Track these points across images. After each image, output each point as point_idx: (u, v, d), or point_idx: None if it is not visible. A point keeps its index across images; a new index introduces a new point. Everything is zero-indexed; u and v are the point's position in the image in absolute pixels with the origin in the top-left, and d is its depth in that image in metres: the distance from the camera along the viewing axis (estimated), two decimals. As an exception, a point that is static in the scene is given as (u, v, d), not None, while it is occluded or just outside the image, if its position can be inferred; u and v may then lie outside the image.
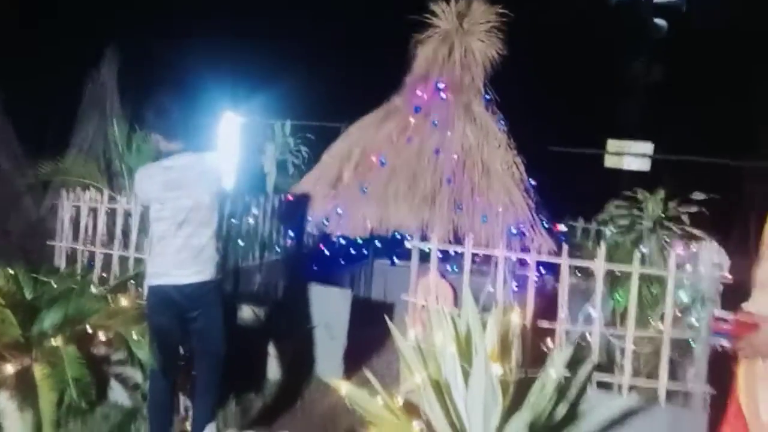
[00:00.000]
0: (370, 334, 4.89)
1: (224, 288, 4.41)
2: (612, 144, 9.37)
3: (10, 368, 3.32)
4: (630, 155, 8.60)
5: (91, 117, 7.23)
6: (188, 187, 3.15)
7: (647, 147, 8.75)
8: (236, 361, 3.47)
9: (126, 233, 4.49)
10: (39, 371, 3.30)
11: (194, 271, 3.19)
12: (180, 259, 3.17)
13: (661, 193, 3.95)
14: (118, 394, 4.00)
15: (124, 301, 3.83)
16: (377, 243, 6.09)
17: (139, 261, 4.26)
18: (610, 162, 9.33)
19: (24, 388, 3.37)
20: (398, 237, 5.07)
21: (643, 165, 8.81)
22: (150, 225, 3.32)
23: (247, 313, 4.75)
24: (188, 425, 3.50)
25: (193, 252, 3.18)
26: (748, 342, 1.89)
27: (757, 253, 2.13)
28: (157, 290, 3.23)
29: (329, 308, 4.76)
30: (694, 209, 3.84)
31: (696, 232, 3.92)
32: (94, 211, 4.56)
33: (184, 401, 3.69)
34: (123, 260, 4.35)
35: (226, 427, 3.69)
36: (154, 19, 9.68)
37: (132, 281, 4.17)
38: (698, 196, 3.87)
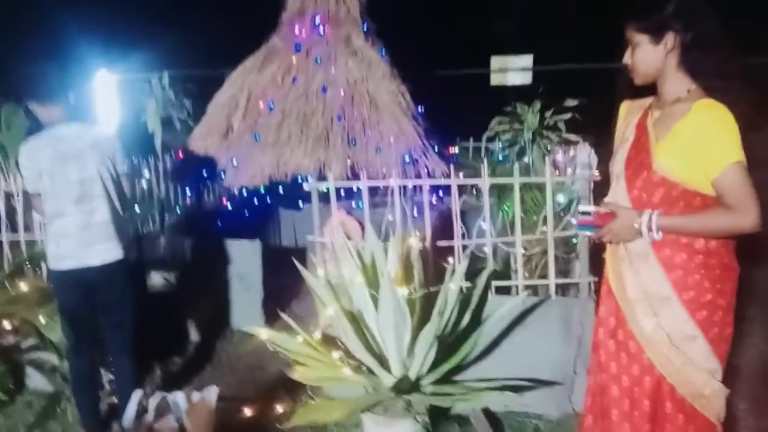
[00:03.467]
0: (284, 280, 4.98)
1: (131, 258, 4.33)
2: (495, 61, 9.64)
3: None
4: (512, 71, 8.91)
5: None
6: (80, 158, 2.98)
7: (527, 60, 9.08)
8: (155, 328, 3.47)
9: (11, 215, 4.27)
10: (-56, 370, 3.19)
11: (104, 248, 3.05)
12: (84, 238, 3.02)
13: (538, 105, 4.16)
14: (36, 380, 3.92)
15: (23, 286, 3.71)
16: (280, 189, 6.10)
17: (31, 243, 4.08)
18: (495, 80, 9.63)
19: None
20: (300, 180, 5.09)
21: (525, 79, 9.17)
22: (42, 203, 3.08)
23: (157, 279, 4.69)
24: (115, 398, 3.50)
25: (99, 229, 3.04)
26: (608, 229, 2.13)
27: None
28: (62, 275, 3.06)
29: (241, 261, 4.78)
30: (567, 116, 4.10)
31: (571, 137, 4.20)
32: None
33: (107, 375, 3.67)
34: (14, 244, 4.15)
35: (153, 392, 3.71)
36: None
37: (27, 264, 4.01)
38: (570, 102, 4.12)
